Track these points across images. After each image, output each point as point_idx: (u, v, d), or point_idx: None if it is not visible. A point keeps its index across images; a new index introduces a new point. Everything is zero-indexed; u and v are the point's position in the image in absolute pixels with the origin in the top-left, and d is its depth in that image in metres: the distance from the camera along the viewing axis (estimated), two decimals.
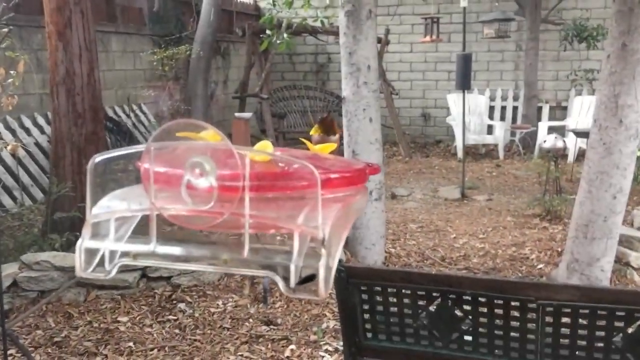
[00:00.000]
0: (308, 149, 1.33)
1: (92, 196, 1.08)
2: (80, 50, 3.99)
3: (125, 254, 1.09)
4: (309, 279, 0.98)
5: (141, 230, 1.07)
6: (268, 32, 6.50)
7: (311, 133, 1.86)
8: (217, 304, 3.54)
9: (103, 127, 4.54)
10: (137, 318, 3.39)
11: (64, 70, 3.97)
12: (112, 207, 1.09)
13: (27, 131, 5.94)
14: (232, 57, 9.78)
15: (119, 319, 3.38)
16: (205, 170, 0.95)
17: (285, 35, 5.73)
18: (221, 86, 9.48)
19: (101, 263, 1.10)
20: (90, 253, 1.09)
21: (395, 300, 1.78)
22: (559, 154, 5.76)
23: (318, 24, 7.88)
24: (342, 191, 1.11)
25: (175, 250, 1.08)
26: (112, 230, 1.08)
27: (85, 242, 1.08)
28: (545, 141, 5.71)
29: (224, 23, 9.23)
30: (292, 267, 0.97)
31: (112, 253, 1.10)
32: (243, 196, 0.95)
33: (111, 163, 1.11)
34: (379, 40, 7.34)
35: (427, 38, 7.96)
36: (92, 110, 4.10)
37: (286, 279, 0.97)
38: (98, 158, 1.09)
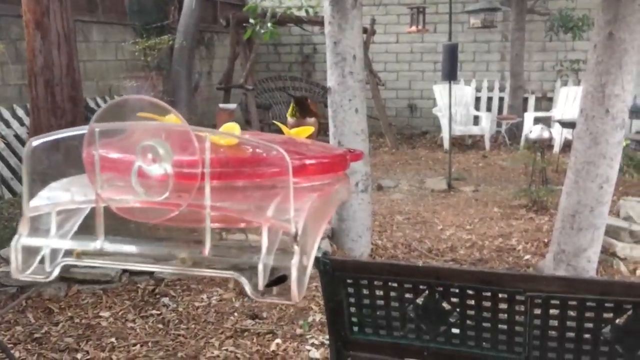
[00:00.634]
0: (283, 133, 1.22)
1: (30, 186, 0.94)
2: (59, 40, 3.90)
3: (69, 253, 0.96)
4: (280, 280, 0.86)
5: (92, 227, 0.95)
6: (252, 21, 6.42)
7: (287, 115, 1.75)
8: (202, 298, 3.49)
9: (83, 118, 4.44)
10: (120, 313, 3.33)
11: (42, 60, 3.88)
12: (53, 198, 0.96)
13: (6, 123, 5.81)
14: (216, 48, 9.67)
15: (100, 314, 3.32)
16: (158, 155, 0.83)
17: (269, 24, 5.66)
18: (205, 77, 9.38)
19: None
20: (29, 252, 0.95)
21: (382, 293, 1.75)
22: (545, 145, 5.76)
23: (303, 13, 7.82)
24: (319, 179, 1.00)
25: (127, 247, 0.95)
26: (54, 225, 0.95)
27: (22, 239, 0.94)
28: (531, 132, 5.70)
29: (207, 13, 9.12)
30: (260, 267, 0.85)
31: (54, 252, 0.96)
32: (203, 185, 0.84)
33: (59, 148, 0.97)
34: (365, 31, 7.30)
35: (413, 28, 7.91)
36: (72, 101, 4.02)
37: (254, 280, 0.86)
38: (36, 142, 0.95)
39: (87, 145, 0.89)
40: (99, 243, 0.94)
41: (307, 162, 1.00)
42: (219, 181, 0.88)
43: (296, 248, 0.85)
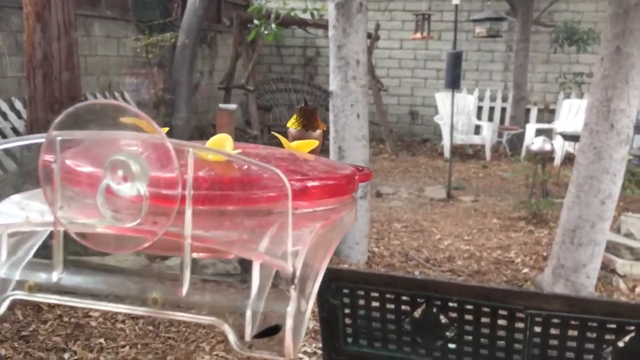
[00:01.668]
0: (283, 146, 1.07)
1: None
2: (59, 33, 3.85)
3: (20, 285, 0.80)
4: (272, 331, 0.71)
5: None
6: (256, 22, 6.39)
7: (288, 125, 1.59)
8: None
9: None
10: (109, 313, 3.27)
11: (41, 53, 3.83)
12: (6, 217, 0.81)
13: (4, 115, 5.77)
14: (218, 47, 9.63)
15: (90, 313, 3.26)
16: (130, 172, 0.69)
17: (273, 25, 5.62)
18: (207, 76, 9.33)
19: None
20: None
21: (378, 304, 1.71)
22: (546, 157, 5.72)
23: (307, 15, 7.79)
24: (323, 204, 0.86)
25: (90, 281, 0.80)
26: (4, 250, 0.81)
27: None
28: (533, 143, 5.66)
29: (211, 12, 9.07)
30: (248, 314, 0.71)
31: (4, 282, 0.81)
32: (183, 209, 0.70)
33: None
34: (369, 36, 7.26)
35: (418, 35, 7.88)
36: (70, 95, 3.97)
37: (241, 329, 0.71)
38: None
39: (45, 157, 0.74)
40: (55, 275, 0.78)
41: (310, 184, 0.85)
42: (203, 206, 0.74)
43: (293, 293, 0.70)
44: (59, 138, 0.73)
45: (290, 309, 0.70)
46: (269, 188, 0.77)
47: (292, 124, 1.57)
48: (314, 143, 1.08)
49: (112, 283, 0.81)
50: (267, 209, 0.78)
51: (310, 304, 0.72)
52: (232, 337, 0.72)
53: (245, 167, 0.82)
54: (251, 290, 0.72)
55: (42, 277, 0.79)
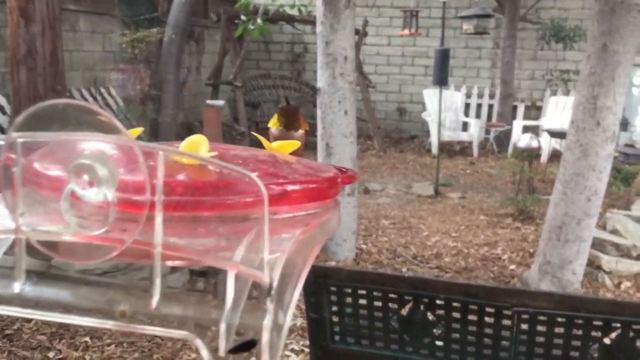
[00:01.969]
0: (264, 146, 1.02)
1: None
2: (44, 28, 3.79)
3: None
4: (248, 346, 0.67)
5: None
6: (243, 17, 6.35)
7: (269, 125, 1.54)
8: None
9: None
10: None
11: (25, 48, 3.78)
12: None
13: None
14: (206, 43, 9.57)
15: None
16: (97, 177, 0.64)
17: (259, 20, 5.58)
18: (194, 72, 9.27)
19: None
20: None
21: (365, 302, 1.70)
22: (533, 154, 5.75)
23: (295, 11, 7.76)
24: (304, 209, 0.82)
25: (54, 293, 0.74)
26: None
27: None
28: (520, 140, 5.69)
29: (198, 7, 9.00)
30: (223, 327, 0.66)
31: None
32: (153, 216, 0.65)
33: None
34: (357, 32, 7.25)
35: (406, 31, 7.88)
36: (55, 91, 3.92)
37: (215, 343, 0.67)
38: None
39: (5, 159, 0.69)
40: (17, 286, 0.72)
41: (290, 188, 0.81)
42: (174, 212, 0.69)
43: (270, 305, 0.65)
44: (20, 140, 0.68)
45: (267, 322, 0.66)
46: (245, 193, 0.73)
47: (273, 124, 1.53)
48: (296, 144, 1.04)
49: (78, 294, 0.76)
50: (244, 214, 0.74)
51: (290, 316, 0.69)
52: (205, 353, 0.67)
53: (225, 171, 0.78)
54: (226, 302, 0.68)
55: (3, 288, 0.74)
